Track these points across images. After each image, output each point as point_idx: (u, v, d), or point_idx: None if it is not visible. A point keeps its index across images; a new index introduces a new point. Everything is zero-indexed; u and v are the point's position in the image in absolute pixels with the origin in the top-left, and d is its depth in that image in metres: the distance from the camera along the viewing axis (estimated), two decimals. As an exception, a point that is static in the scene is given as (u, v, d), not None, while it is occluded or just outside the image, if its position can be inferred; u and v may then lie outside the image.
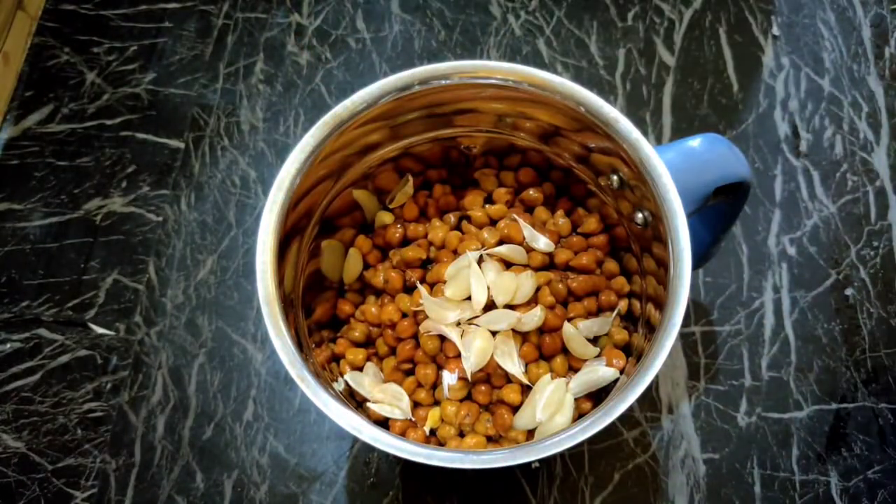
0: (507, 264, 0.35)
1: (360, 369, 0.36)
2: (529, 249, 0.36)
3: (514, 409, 0.33)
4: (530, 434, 0.33)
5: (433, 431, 0.34)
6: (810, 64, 0.50)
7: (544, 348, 0.34)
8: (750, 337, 0.43)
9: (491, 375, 0.33)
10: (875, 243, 0.45)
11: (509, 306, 0.34)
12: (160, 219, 0.47)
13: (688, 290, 0.28)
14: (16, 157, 0.49)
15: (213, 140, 0.49)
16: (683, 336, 0.43)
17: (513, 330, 0.33)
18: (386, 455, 0.40)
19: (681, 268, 0.29)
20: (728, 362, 0.42)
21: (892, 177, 0.47)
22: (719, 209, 0.35)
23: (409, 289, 0.36)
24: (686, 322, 0.43)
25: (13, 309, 0.45)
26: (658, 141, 0.49)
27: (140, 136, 0.50)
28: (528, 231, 0.35)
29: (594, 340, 0.35)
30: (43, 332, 0.44)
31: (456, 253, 0.36)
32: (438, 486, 0.40)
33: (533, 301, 0.35)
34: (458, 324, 0.33)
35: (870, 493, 0.39)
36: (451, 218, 0.38)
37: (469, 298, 0.34)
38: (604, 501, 0.40)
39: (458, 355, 0.33)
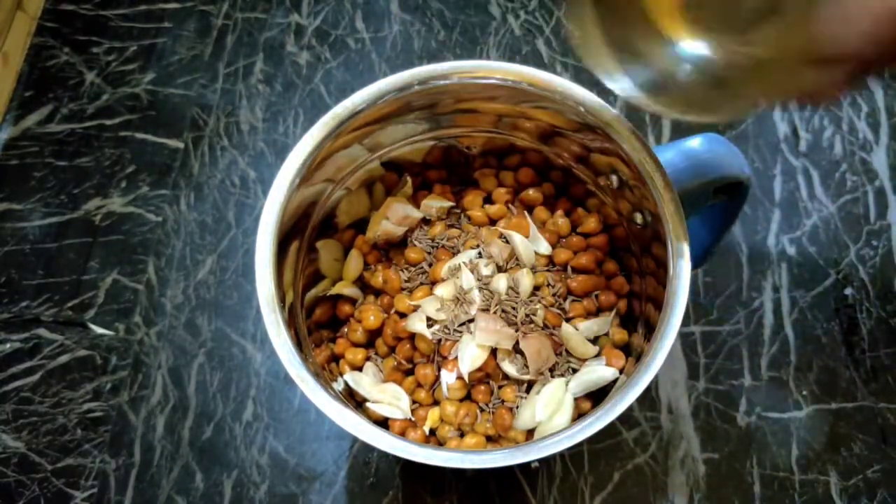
0: (500, 267, 0.35)
1: (360, 369, 0.36)
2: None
3: (514, 408, 0.33)
4: (530, 434, 0.33)
5: (433, 431, 0.34)
6: (810, 64, 0.50)
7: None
8: (749, 336, 0.43)
9: (490, 375, 0.33)
10: (874, 243, 0.45)
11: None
12: (160, 219, 0.47)
13: (687, 289, 0.28)
14: (15, 157, 0.49)
15: (212, 140, 0.49)
16: (683, 336, 0.43)
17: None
18: (385, 455, 0.40)
19: (680, 267, 0.29)
20: (728, 362, 0.42)
21: (892, 176, 0.47)
22: (719, 209, 0.35)
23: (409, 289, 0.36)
24: (686, 322, 0.43)
25: (13, 309, 0.45)
26: (657, 141, 0.49)
27: (139, 136, 0.50)
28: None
29: (594, 340, 0.35)
30: (42, 332, 0.44)
31: (454, 251, 0.36)
32: (438, 485, 0.40)
33: (532, 301, 0.35)
34: (446, 327, 0.33)
35: (869, 492, 0.39)
36: (451, 218, 0.38)
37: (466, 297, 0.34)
38: (603, 501, 0.40)
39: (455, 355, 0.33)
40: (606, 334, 0.35)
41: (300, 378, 0.28)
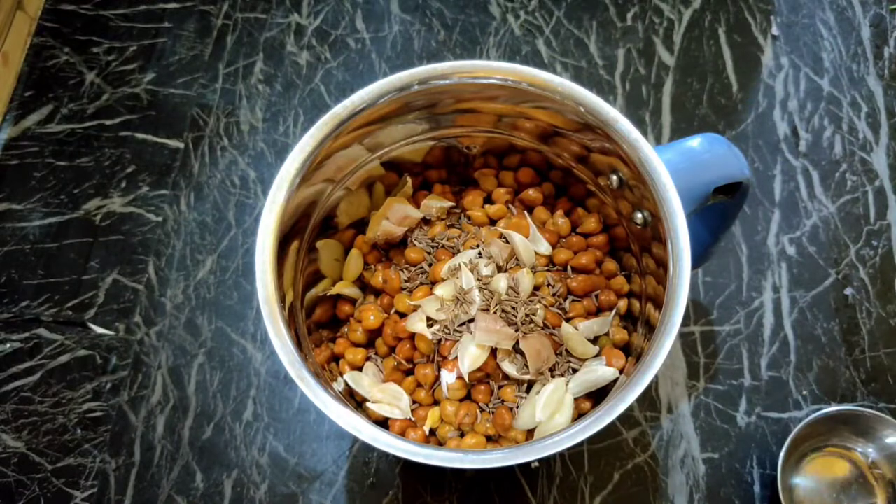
0: (500, 267, 0.35)
1: (360, 369, 0.36)
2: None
3: (514, 408, 0.33)
4: (530, 434, 0.33)
5: (433, 431, 0.34)
6: (809, 64, 0.50)
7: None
8: (749, 336, 0.43)
9: (490, 375, 0.33)
10: (874, 243, 0.45)
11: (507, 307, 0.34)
12: (160, 219, 0.47)
13: (687, 289, 0.28)
14: (15, 157, 0.49)
15: (212, 140, 0.49)
16: (683, 336, 0.43)
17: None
18: (385, 455, 0.40)
19: (680, 267, 0.29)
20: (727, 362, 0.42)
21: (892, 176, 0.47)
22: (718, 209, 0.35)
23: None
24: (685, 322, 0.43)
25: (13, 309, 0.45)
26: (657, 141, 0.49)
27: (139, 136, 0.50)
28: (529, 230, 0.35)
29: (594, 340, 0.35)
30: (42, 332, 0.44)
31: (454, 251, 0.36)
32: (438, 485, 0.40)
33: (532, 301, 0.35)
34: (445, 327, 0.33)
35: (869, 492, 0.39)
36: (451, 218, 0.38)
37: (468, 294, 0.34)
38: (603, 501, 0.40)
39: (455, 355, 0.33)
40: (606, 334, 0.35)
41: (300, 378, 0.28)
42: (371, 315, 0.36)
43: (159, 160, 0.49)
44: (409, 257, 0.36)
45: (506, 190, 0.38)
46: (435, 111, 0.35)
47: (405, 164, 0.37)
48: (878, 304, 0.43)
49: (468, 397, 0.34)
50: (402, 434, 0.33)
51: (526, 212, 0.37)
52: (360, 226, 0.38)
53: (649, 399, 0.42)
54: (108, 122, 0.50)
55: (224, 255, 0.46)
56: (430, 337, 0.33)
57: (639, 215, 0.33)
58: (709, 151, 0.32)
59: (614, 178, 0.33)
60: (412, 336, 0.35)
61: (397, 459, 0.40)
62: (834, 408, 0.38)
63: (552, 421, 0.32)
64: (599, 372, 0.33)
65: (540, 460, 0.33)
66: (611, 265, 0.36)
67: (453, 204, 0.38)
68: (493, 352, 0.33)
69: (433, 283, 0.35)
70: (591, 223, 0.37)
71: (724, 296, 0.44)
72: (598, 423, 0.27)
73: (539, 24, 0.52)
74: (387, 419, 0.34)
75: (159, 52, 0.52)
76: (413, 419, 0.34)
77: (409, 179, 0.38)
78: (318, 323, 0.36)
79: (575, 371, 0.34)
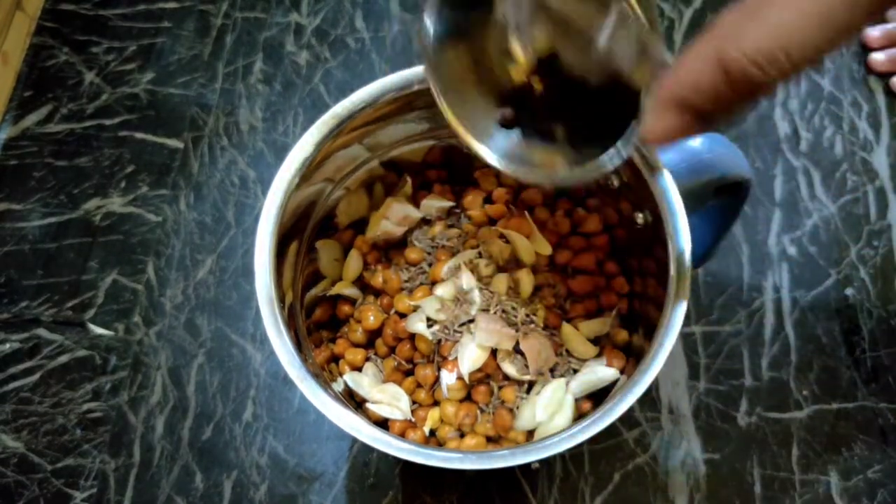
0: (500, 267, 0.35)
1: (360, 370, 0.36)
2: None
3: (514, 409, 0.33)
4: (530, 434, 0.33)
5: (433, 432, 0.34)
6: (810, 63, 0.50)
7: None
8: (750, 337, 0.43)
9: (491, 376, 0.33)
10: (875, 243, 0.45)
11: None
12: (159, 219, 0.47)
13: (688, 289, 0.28)
14: (14, 157, 0.49)
15: (212, 140, 0.49)
16: (684, 336, 0.43)
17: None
18: (385, 455, 0.40)
19: (681, 267, 0.29)
20: (728, 362, 0.42)
21: (892, 176, 0.47)
22: (719, 209, 0.35)
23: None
24: (686, 322, 0.43)
25: (12, 309, 0.45)
26: (658, 140, 0.48)
27: (139, 135, 0.50)
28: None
29: (594, 341, 0.35)
30: (42, 332, 0.44)
31: (453, 251, 0.36)
32: (438, 486, 0.40)
33: (533, 301, 0.35)
34: (446, 327, 0.33)
35: (870, 492, 0.39)
36: (451, 218, 0.38)
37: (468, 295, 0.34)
38: (604, 501, 0.39)
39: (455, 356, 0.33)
40: (607, 335, 0.35)
41: (300, 378, 0.28)
42: (371, 315, 0.35)
43: (159, 160, 0.49)
44: (408, 257, 0.36)
45: (506, 190, 0.38)
46: (435, 110, 0.34)
47: (405, 164, 0.37)
48: (878, 304, 0.43)
49: (468, 398, 0.34)
50: (402, 435, 0.33)
51: (526, 212, 0.37)
52: (360, 226, 0.38)
53: (650, 399, 0.41)
54: (107, 122, 0.50)
55: (224, 255, 0.46)
56: (430, 337, 0.33)
57: (639, 215, 0.33)
58: (709, 151, 0.32)
59: (614, 178, 0.33)
60: (412, 336, 0.34)
61: (397, 460, 0.40)
62: None
63: (552, 421, 0.32)
64: (600, 372, 0.33)
65: (540, 461, 0.33)
66: (611, 265, 0.36)
67: (453, 204, 0.38)
68: (494, 352, 0.33)
69: (433, 284, 0.35)
70: (592, 223, 0.36)
71: (725, 296, 0.44)
72: (598, 423, 0.27)
73: (539, 23, 0.52)
74: (386, 420, 0.34)
75: (158, 52, 0.52)
76: (413, 420, 0.34)
77: (409, 179, 0.38)
78: (318, 323, 0.36)
79: (575, 371, 0.34)
